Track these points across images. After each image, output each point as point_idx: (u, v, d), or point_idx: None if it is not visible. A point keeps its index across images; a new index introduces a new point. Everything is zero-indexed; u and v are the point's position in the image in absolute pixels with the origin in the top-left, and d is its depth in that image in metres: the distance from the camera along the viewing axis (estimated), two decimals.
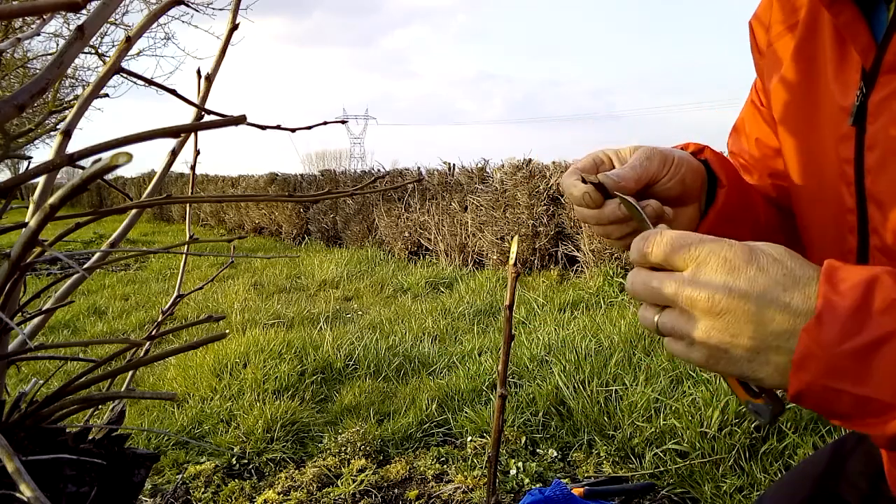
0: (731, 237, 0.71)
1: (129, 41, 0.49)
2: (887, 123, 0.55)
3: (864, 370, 0.41)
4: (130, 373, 0.69)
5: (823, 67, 0.64)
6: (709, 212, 0.69)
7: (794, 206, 0.73)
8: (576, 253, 5.14)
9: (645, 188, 0.64)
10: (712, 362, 0.47)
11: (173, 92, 0.58)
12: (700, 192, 0.69)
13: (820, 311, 0.42)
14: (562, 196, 5.25)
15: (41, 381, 0.53)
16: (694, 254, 0.46)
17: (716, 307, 0.45)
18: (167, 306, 0.72)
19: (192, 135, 0.66)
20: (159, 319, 0.71)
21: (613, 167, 0.65)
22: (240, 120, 0.35)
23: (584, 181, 0.61)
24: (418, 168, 7.16)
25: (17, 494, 0.40)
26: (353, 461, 2.18)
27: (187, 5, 0.60)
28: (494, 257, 5.73)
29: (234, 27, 0.63)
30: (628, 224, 0.63)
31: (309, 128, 0.64)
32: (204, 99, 0.62)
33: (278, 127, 0.60)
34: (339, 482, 2.07)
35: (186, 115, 0.61)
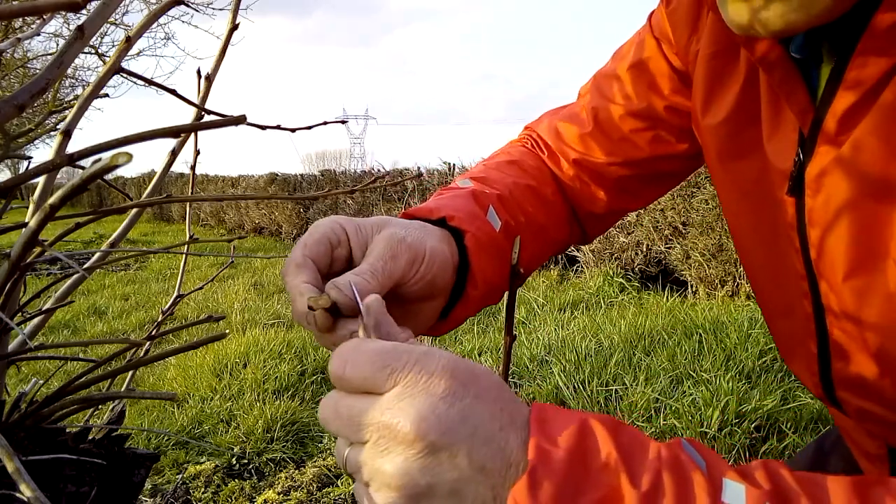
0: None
1: (129, 41, 0.49)
2: (827, 200, 0.50)
3: None
4: (130, 373, 0.69)
5: (761, 122, 0.58)
6: (452, 313, 0.60)
7: (745, 264, 0.69)
8: (576, 253, 5.14)
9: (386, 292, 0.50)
10: None
11: (173, 92, 0.58)
12: (450, 284, 0.58)
13: (533, 466, 0.33)
14: None
15: (41, 381, 0.53)
16: (401, 373, 0.36)
17: (419, 439, 0.34)
18: (167, 306, 0.72)
19: (192, 135, 0.66)
20: (159, 319, 0.71)
21: (350, 250, 0.52)
22: (240, 120, 0.35)
23: (311, 306, 0.45)
24: (418, 167, 7.16)
25: (18, 494, 0.40)
26: None
27: (187, 5, 0.60)
28: None
29: (234, 27, 0.63)
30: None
31: (309, 128, 0.64)
32: (204, 99, 0.62)
33: (278, 127, 0.60)
34: (339, 482, 2.07)
35: (186, 115, 0.61)
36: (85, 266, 0.49)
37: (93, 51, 7.76)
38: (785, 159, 0.54)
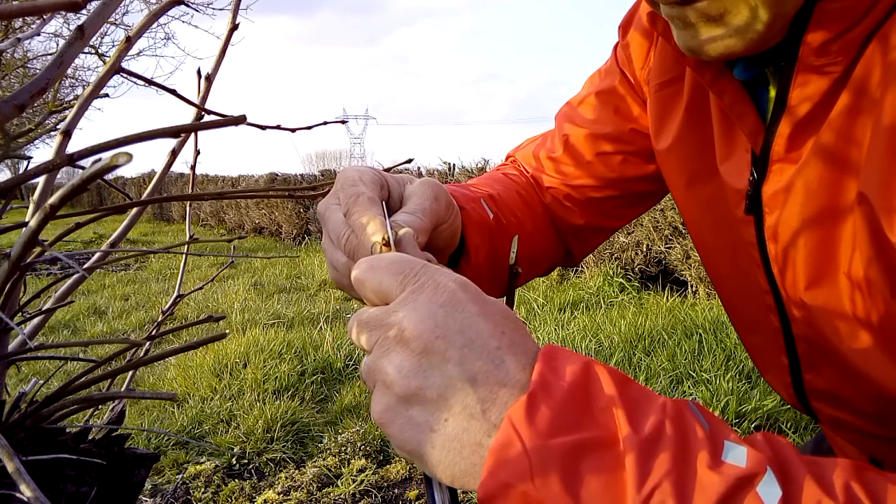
0: None
1: (129, 41, 0.49)
2: (786, 217, 0.51)
3: (574, 477, 0.31)
4: (130, 373, 0.69)
5: (713, 144, 0.59)
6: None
7: (714, 282, 0.70)
8: None
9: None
10: (389, 417, 0.36)
11: (173, 92, 0.58)
12: (451, 251, 0.60)
13: (533, 390, 0.33)
14: None
15: (41, 381, 0.53)
16: (411, 280, 0.38)
17: (415, 339, 0.35)
18: (167, 306, 0.72)
19: (192, 135, 0.66)
20: (159, 319, 0.71)
21: (389, 194, 0.55)
22: (240, 120, 0.35)
23: (384, 238, 0.45)
24: (417, 167, 7.15)
25: (18, 494, 0.40)
26: (353, 461, 2.18)
27: (187, 5, 0.60)
28: None
29: (234, 27, 0.63)
30: None
31: (309, 128, 0.64)
32: (204, 99, 0.62)
33: (278, 127, 0.60)
34: (339, 482, 2.07)
35: (186, 115, 0.61)
36: (85, 266, 0.49)
37: (93, 51, 7.76)
38: (740, 179, 0.55)
